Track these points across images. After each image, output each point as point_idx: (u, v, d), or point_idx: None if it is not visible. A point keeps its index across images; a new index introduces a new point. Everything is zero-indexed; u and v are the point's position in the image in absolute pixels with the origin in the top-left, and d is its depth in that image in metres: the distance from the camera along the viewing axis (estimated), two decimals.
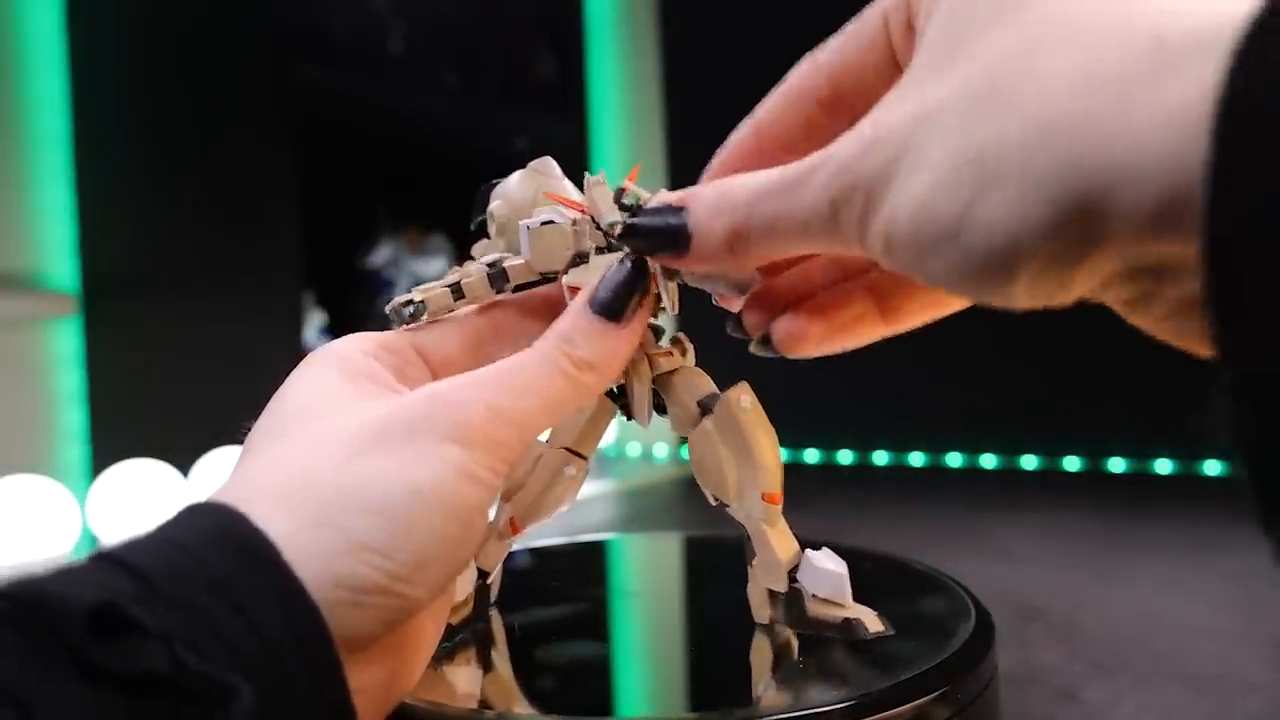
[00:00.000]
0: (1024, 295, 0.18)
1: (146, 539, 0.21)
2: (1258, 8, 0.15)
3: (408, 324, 0.30)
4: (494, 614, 0.35)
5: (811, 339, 0.28)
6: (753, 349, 0.29)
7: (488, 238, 0.32)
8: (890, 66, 0.24)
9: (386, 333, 0.30)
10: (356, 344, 0.29)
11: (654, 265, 0.27)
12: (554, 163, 0.32)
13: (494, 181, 0.32)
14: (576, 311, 0.27)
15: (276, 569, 0.21)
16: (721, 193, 0.24)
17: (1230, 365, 0.14)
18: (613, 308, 0.27)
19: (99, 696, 0.18)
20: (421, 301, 0.30)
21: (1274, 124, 0.13)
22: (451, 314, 0.31)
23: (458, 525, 0.23)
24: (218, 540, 0.21)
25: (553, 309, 0.31)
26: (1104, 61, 0.16)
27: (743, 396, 0.30)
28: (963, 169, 0.18)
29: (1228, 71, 0.14)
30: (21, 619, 0.18)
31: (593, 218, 0.29)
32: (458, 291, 0.30)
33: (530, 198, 0.31)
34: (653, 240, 0.26)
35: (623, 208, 0.28)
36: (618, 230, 0.27)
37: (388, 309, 0.30)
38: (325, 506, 0.22)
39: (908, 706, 0.26)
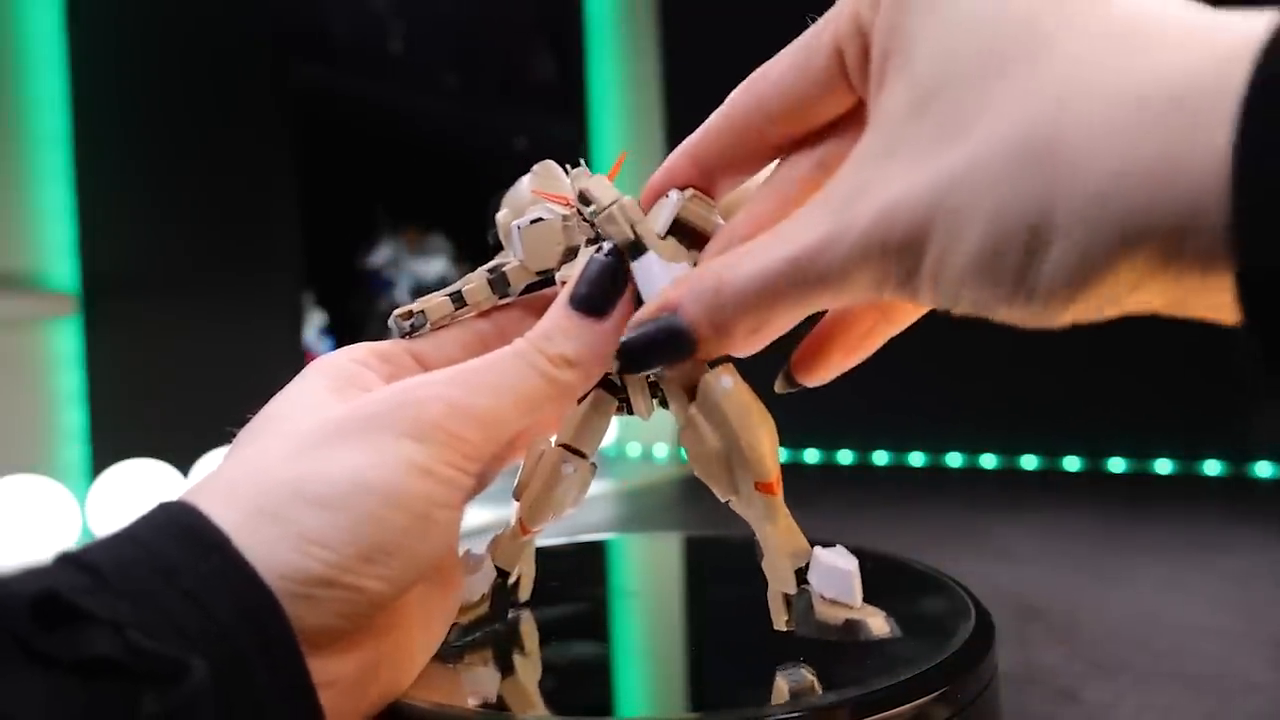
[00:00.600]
0: (1073, 318, 0.19)
1: (106, 537, 0.21)
2: (1256, 50, 0.15)
3: (409, 335, 0.29)
4: (524, 614, 0.35)
5: (832, 365, 0.28)
6: (777, 388, 0.28)
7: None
8: (841, 92, 0.24)
9: (383, 342, 0.30)
10: (349, 354, 0.28)
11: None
12: (555, 166, 0.32)
13: (504, 193, 0.32)
14: (556, 308, 0.27)
15: (225, 555, 0.21)
16: (715, 290, 0.23)
17: (1270, 381, 0.15)
18: (592, 302, 0.26)
19: (52, 682, 0.18)
20: (422, 312, 0.29)
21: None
22: (449, 328, 0.30)
23: (409, 518, 0.23)
24: (169, 531, 0.21)
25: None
26: (1129, 125, 0.17)
27: (724, 377, 0.27)
28: (1017, 230, 0.18)
29: (1239, 122, 0.15)
30: None
31: (579, 210, 0.28)
32: (458, 300, 0.29)
33: (527, 200, 0.31)
34: (655, 356, 0.25)
35: (583, 215, 0.28)
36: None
37: (389, 322, 0.30)
38: (270, 498, 0.22)
39: (908, 706, 0.26)
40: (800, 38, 0.24)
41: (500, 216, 0.31)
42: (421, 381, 0.25)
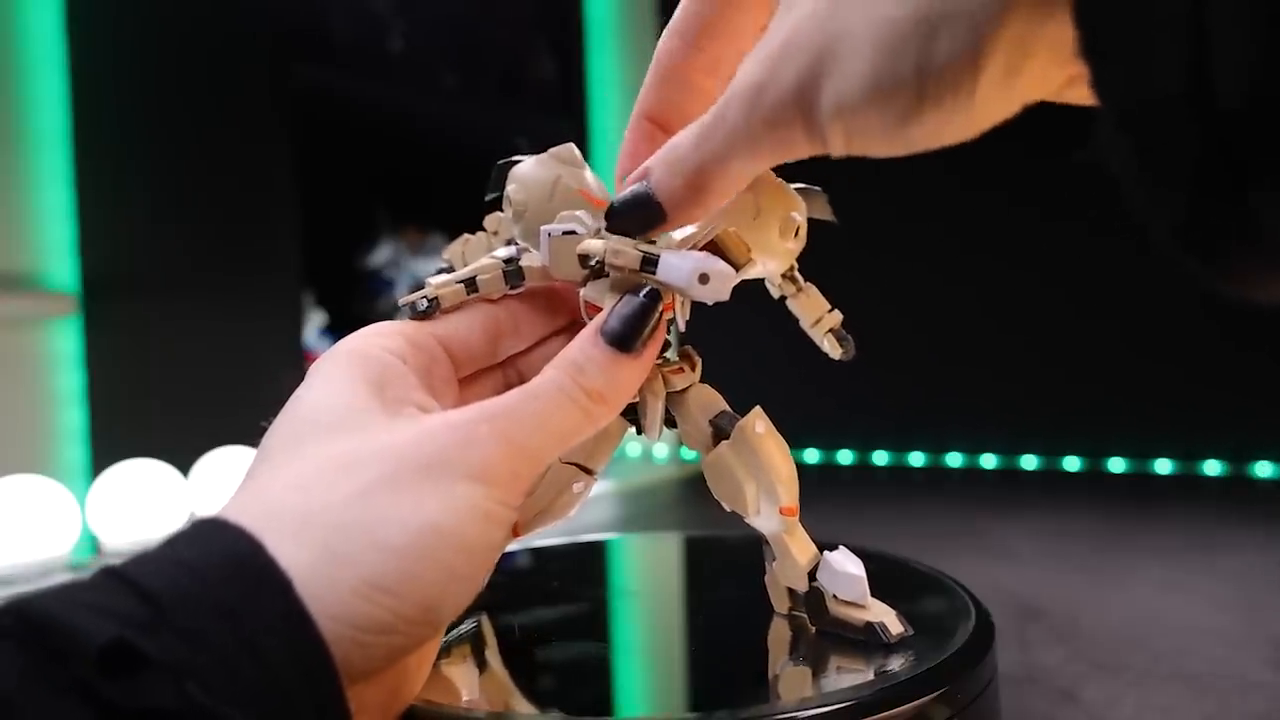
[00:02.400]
0: (982, 104, 0.20)
1: (158, 556, 0.21)
2: None
3: (420, 317, 0.30)
4: (525, 614, 0.35)
5: None
6: None
7: (502, 211, 0.33)
8: (753, 8, 0.26)
9: (410, 325, 0.29)
10: (382, 341, 0.28)
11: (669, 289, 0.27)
12: (576, 149, 0.32)
13: (511, 159, 0.32)
14: (588, 340, 0.27)
15: (287, 602, 0.20)
16: (669, 150, 0.26)
17: (1103, 101, 0.16)
18: (624, 338, 0.27)
19: None
20: (435, 298, 0.30)
21: None
22: (472, 311, 0.31)
23: (472, 564, 0.23)
24: (230, 567, 0.21)
25: (568, 306, 0.31)
26: None
27: (758, 423, 0.30)
28: (905, 34, 0.20)
29: None
30: (28, 639, 0.18)
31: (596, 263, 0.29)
32: (472, 286, 0.30)
33: (547, 186, 0.31)
34: (630, 216, 0.27)
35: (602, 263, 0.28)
36: (604, 220, 0.27)
37: (401, 302, 0.30)
38: (342, 540, 0.22)
39: (908, 706, 0.26)
40: None
41: (511, 192, 0.31)
42: (472, 418, 0.25)
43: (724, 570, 0.40)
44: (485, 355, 0.31)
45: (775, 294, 0.33)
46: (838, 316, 0.32)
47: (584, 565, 0.44)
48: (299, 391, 0.27)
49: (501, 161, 0.32)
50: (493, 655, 0.32)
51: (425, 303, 0.30)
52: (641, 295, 0.27)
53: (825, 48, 0.21)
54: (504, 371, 0.32)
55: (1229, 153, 0.14)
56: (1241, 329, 1.86)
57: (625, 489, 2.07)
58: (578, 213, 0.29)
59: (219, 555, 0.21)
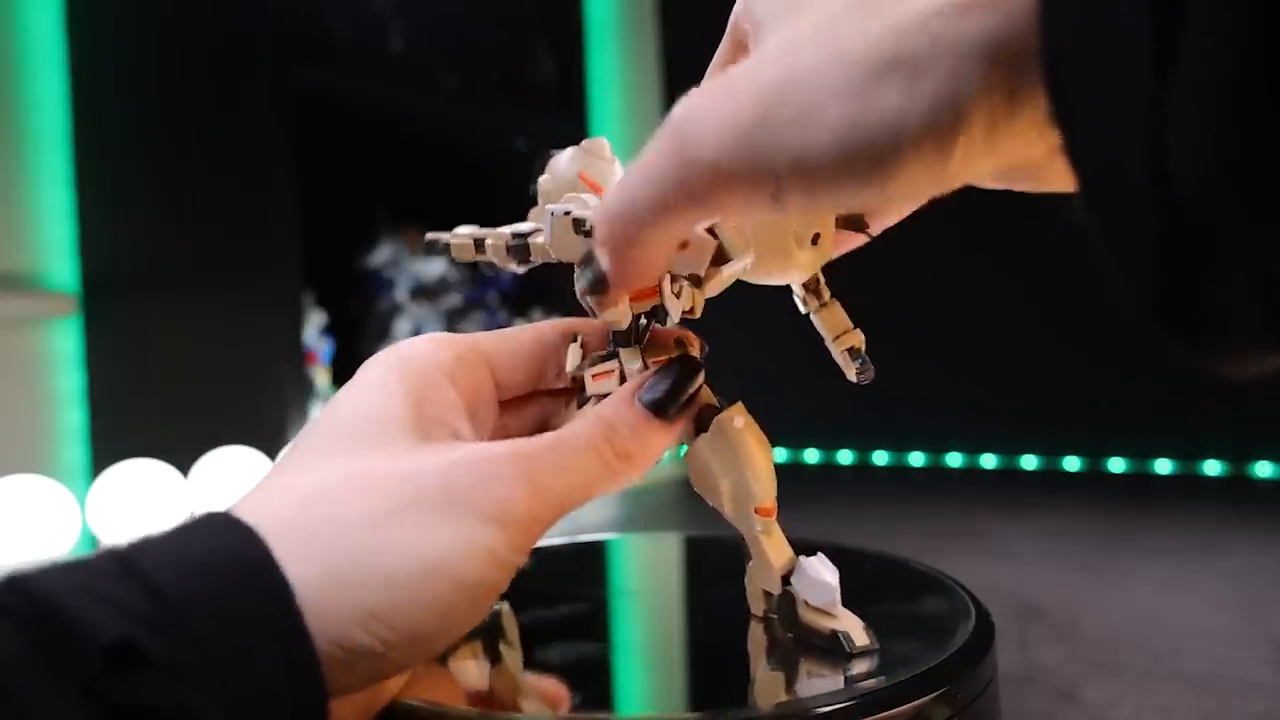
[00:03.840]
0: (959, 165, 0.18)
1: (169, 549, 0.21)
2: None
3: (435, 254, 0.32)
4: (525, 614, 0.35)
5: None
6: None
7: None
8: None
9: (462, 341, 0.30)
10: (432, 353, 0.28)
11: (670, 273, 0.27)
12: (606, 143, 0.32)
13: (553, 151, 0.32)
14: (623, 400, 0.27)
15: (289, 616, 0.21)
16: (607, 203, 0.23)
17: (1073, 172, 0.16)
18: (659, 406, 0.27)
19: (97, 716, 0.18)
20: (448, 244, 0.32)
21: None
22: (521, 336, 0.31)
23: (471, 604, 0.23)
24: (238, 572, 0.21)
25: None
26: None
27: (736, 418, 0.30)
28: (870, 73, 0.18)
29: None
30: (33, 622, 0.18)
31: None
32: (480, 248, 0.31)
33: (572, 177, 0.31)
34: (590, 284, 0.25)
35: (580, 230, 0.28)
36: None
37: (427, 236, 0.33)
38: (348, 561, 0.22)
39: (908, 706, 0.26)
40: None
41: (542, 181, 0.32)
42: (502, 455, 0.25)
43: (724, 570, 0.40)
44: (529, 381, 0.31)
45: (801, 308, 0.32)
46: (859, 336, 0.31)
47: (584, 565, 0.44)
48: (341, 392, 0.27)
49: (541, 153, 0.33)
50: (493, 655, 0.32)
51: (441, 246, 0.32)
52: (680, 363, 0.27)
53: (782, 90, 0.19)
54: (549, 400, 0.32)
55: (1190, 240, 0.14)
56: None
57: (625, 489, 2.07)
58: (584, 195, 0.29)
59: (229, 558, 0.21)
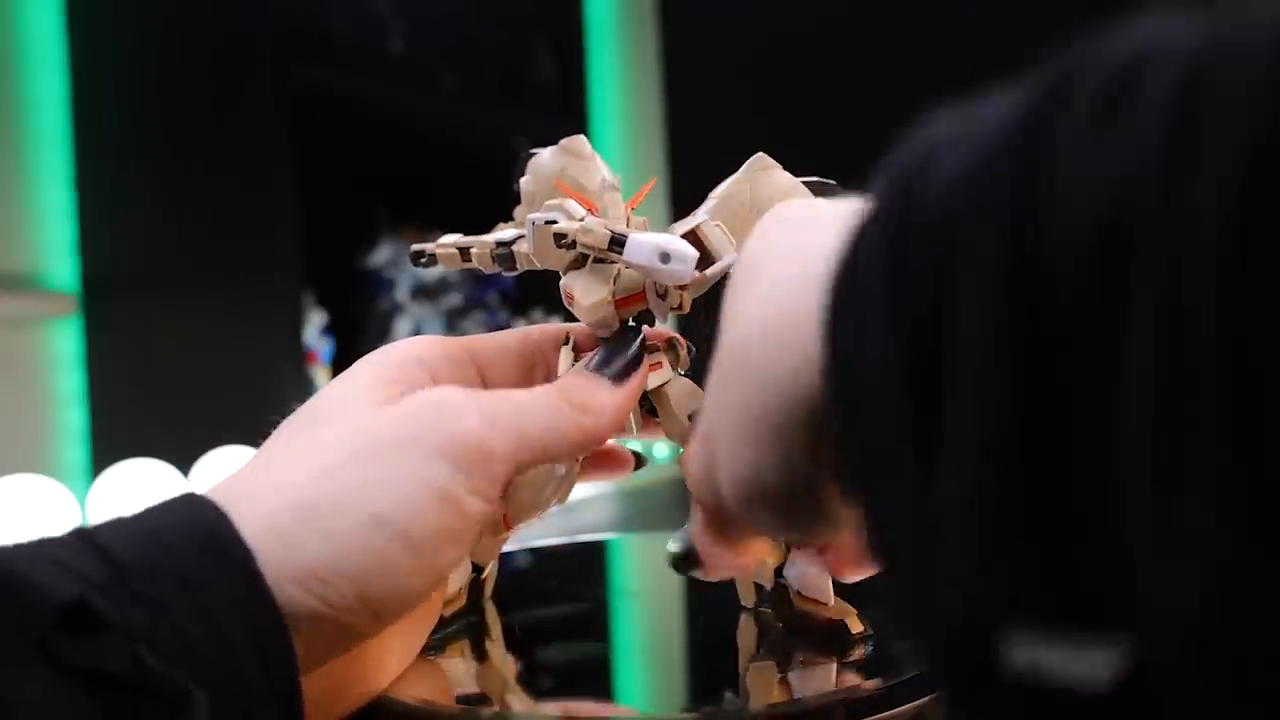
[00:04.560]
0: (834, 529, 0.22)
1: (130, 524, 0.21)
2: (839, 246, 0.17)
3: (421, 265, 0.33)
4: (525, 613, 0.35)
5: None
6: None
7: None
8: None
9: (453, 344, 0.30)
10: (416, 350, 0.28)
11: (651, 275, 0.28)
12: (585, 141, 0.32)
13: (534, 151, 0.33)
14: (577, 369, 0.29)
15: (246, 575, 0.21)
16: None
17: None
18: (603, 363, 0.28)
19: (62, 686, 0.18)
20: (433, 254, 0.32)
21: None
22: (510, 339, 0.31)
23: (417, 560, 0.22)
24: (196, 539, 0.21)
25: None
26: (771, 299, 0.20)
27: None
28: (749, 455, 0.20)
29: (833, 271, 0.17)
30: None
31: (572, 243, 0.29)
32: (466, 256, 0.31)
33: (553, 177, 0.32)
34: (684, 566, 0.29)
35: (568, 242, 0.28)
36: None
37: (412, 248, 0.33)
38: (286, 518, 0.22)
39: (908, 706, 0.26)
40: None
41: (524, 182, 0.32)
42: (463, 396, 0.25)
43: None
44: (518, 383, 0.31)
45: None
46: None
47: (584, 565, 0.44)
48: (323, 387, 0.27)
49: (524, 153, 0.33)
50: (493, 654, 0.32)
51: (425, 258, 0.32)
52: (628, 346, 0.29)
53: (707, 441, 0.23)
54: None
55: (970, 639, 0.14)
56: None
57: (625, 489, 2.07)
58: (566, 202, 0.29)
59: (187, 527, 0.21)
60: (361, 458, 0.23)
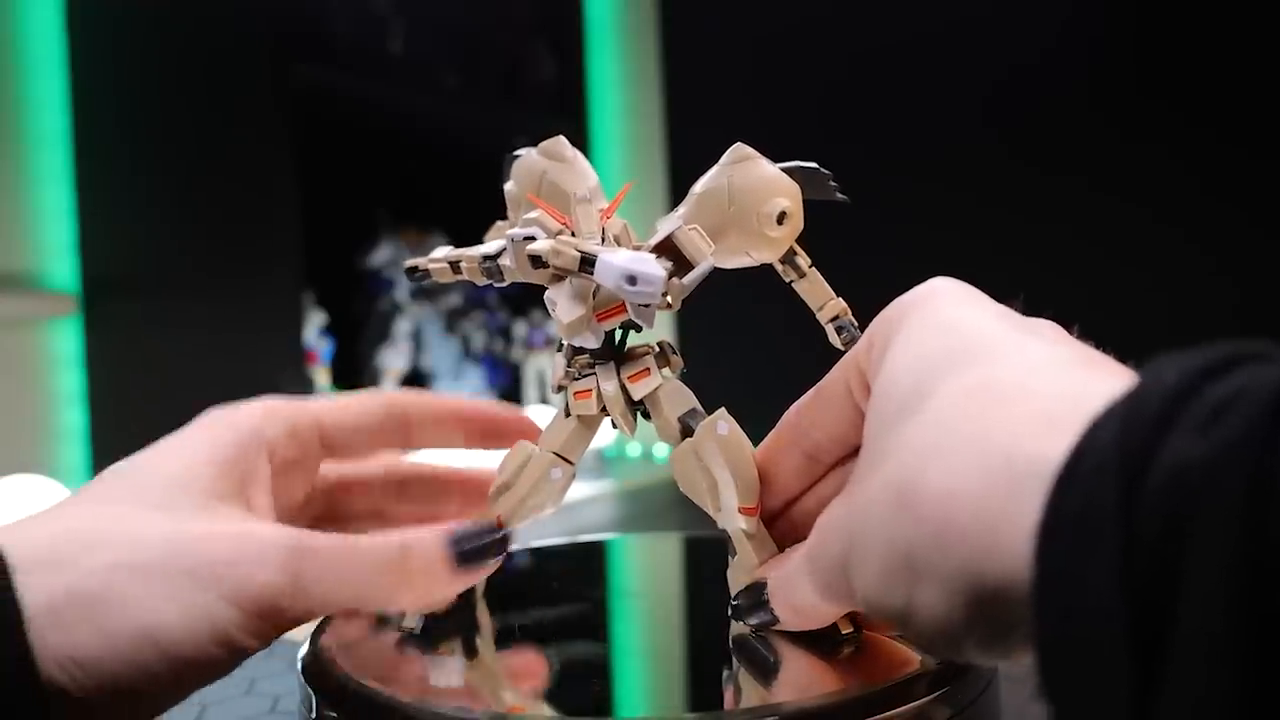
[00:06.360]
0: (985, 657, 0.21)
1: None
2: (1075, 442, 0.17)
3: (418, 282, 0.32)
4: (524, 613, 0.35)
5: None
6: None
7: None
8: (859, 421, 0.26)
9: (300, 412, 0.31)
10: (257, 422, 0.29)
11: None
12: (565, 142, 0.32)
13: (517, 153, 0.33)
14: (434, 536, 0.28)
15: (15, 646, 0.21)
16: (782, 580, 0.29)
17: None
18: (464, 558, 0.28)
19: None
20: (426, 271, 0.32)
21: (1076, 557, 0.16)
22: (374, 402, 0.33)
23: (175, 680, 0.23)
24: None
25: (468, 423, 0.34)
26: (969, 479, 0.19)
27: (720, 424, 0.30)
28: (897, 568, 0.21)
29: (1047, 503, 0.17)
30: None
31: (573, 233, 0.29)
32: (456, 269, 0.31)
33: (535, 182, 0.32)
34: (752, 618, 0.30)
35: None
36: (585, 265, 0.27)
37: (406, 263, 0.32)
38: (66, 603, 0.22)
39: (908, 706, 0.26)
40: (829, 375, 0.29)
41: (507, 187, 0.32)
42: (278, 541, 0.25)
43: (724, 570, 0.40)
44: (371, 446, 0.32)
45: (786, 278, 0.33)
46: (840, 305, 0.32)
47: (584, 565, 0.44)
48: (156, 444, 0.27)
49: (509, 155, 0.33)
50: (492, 655, 0.32)
51: (419, 274, 0.32)
52: (498, 534, 0.29)
53: (850, 543, 0.23)
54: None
55: None
56: (1244, 331, 1.85)
57: (625, 489, 2.07)
58: (541, 215, 0.29)
59: None
60: (148, 571, 0.23)
